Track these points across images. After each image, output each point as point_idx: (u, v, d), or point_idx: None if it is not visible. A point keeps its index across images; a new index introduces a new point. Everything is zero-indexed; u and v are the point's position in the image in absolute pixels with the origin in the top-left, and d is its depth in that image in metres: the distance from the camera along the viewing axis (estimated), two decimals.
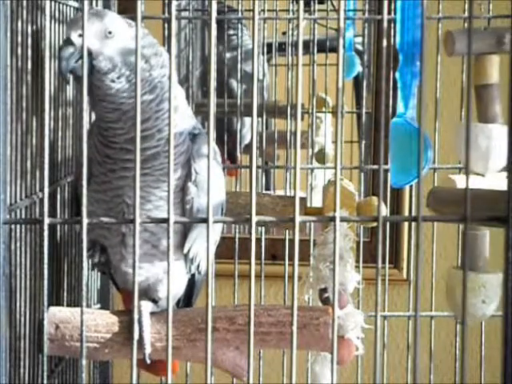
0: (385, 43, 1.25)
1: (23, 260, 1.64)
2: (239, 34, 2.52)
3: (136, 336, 1.64)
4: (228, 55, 2.85)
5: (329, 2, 2.64)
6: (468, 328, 1.23)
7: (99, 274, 2.23)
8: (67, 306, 1.90)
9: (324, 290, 1.82)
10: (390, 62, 1.75)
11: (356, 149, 2.66)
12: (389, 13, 1.88)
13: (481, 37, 1.75)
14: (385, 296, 2.23)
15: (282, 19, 2.65)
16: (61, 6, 1.89)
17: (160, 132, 1.68)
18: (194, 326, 1.72)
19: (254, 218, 1.21)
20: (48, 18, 1.28)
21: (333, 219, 1.22)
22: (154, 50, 1.67)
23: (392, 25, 1.87)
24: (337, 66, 1.21)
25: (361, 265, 2.14)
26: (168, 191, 1.23)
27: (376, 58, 2.78)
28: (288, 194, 2.38)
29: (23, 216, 1.65)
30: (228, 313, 1.73)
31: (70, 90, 1.96)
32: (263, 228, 2.28)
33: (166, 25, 2.18)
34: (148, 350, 1.70)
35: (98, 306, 2.26)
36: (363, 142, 2.41)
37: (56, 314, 1.72)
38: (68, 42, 1.60)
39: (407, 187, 2.45)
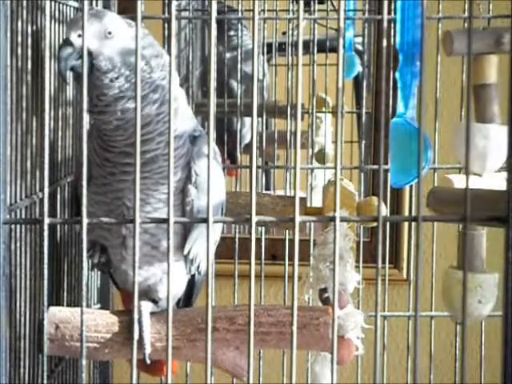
0: (385, 43, 1.25)
1: (23, 260, 1.64)
2: (239, 34, 2.52)
3: (136, 336, 1.64)
4: (228, 55, 2.85)
5: (329, 2, 2.64)
6: (468, 328, 1.23)
7: (99, 273, 2.23)
8: (67, 305, 1.90)
9: (324, 290, 1.82)
10: (389, 62, 1.75)
11: (356, 149, 2.66)
12: (389, 13, 1.88)
13: (479, 37, 1.75)
14: (385, 296, 2.23)
15: (282, 19, 2.65)
16: (61, 5, 1.88)
17: (160, 135, 1.68)
18: (193, 326, 1.72)
19: (254, 218, 1.21)
20: (48, 18, 1.28)
21: (333, 219, 1.22)
22: (154, 51, 1.67)
23: (392, 25, 1.87)
24: (337, 66, 1.21)
25: (361, 265, 2.14)
26: (168, 192, 1.22)
27: (376, 58, 2.78)
28: (288, 193, 2.38)
29: (23, 216, 1.65)
30: (228, 313, 1.73)
31: (69, 90, 1.96)
32: (263, 228, 2.28)
33: (166, 25, 2.18)
34: (148, 350, 1.70)
35: (98, 306, 2.26)
36: (363, 142, 2.41)
37: (56, 314, 1.72)
38: (67, 42, 1.59)
39: (407, 187, 2.45)
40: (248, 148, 2.87)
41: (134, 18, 1.24)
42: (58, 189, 1.87)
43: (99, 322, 1.72)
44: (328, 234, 1.82)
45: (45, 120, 1.25)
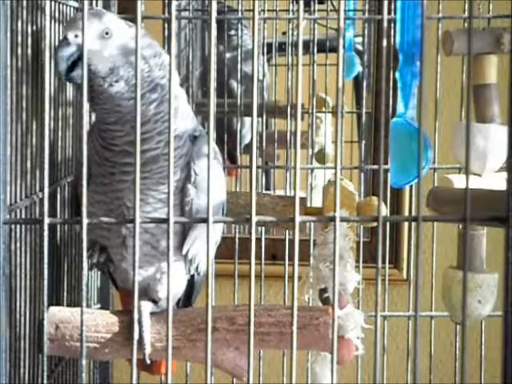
0: (385, 43, 1.24)
1: (23, 260, 1.64)
2: (239, 34, 2.52)
3: (136, 336, 1.64)
4: (228, 55, 2.85)
5: (329, 2, 2.64)
6: (468, 328, 1.23)
7: (99, 273, 2.23)
8: (67, 305, 1.90)
9: (324, 290, 1.82)
10: (389, 62, 1.75)
11: (356, 149, 2.66)
12: (389, 13, 1.88)
13: (479, 37, 1.75)
14: (385, 296, 2.23)
15: (282, 19, 2.65)
16: (61, 5, 1.88)
17: (159, 134, 1.68)
18: (194, 326, 1.72)
19: (254, 218, 1.21)
20: (48, 17, 1.28)
21: (333, 219, 1.22)
22: (152, 51, 1.67)
23: (392, 25, 1.87)
24: (337, 66, 1.21)
25: (361, 265, 2.14)
26: (168, 192, 1.22)
27: (376, 58, 2.79)
28: (288, 193, 2.38)
29: (23, 216, 1.65)
30: (228, 313, 1.73)
31: (69, 90, 1.96)
32: (263, 228, 2.28)
33: (166, 25, 2.18)
34: (148, 350, 1.70)
35: (98, 306, 2.26)
36: (363, 142, 2.41)
37: (56, 314, 1.72)
38: (64, 41, 1.59)
39: (407, 187, 2.45)
40: (248, 148, 2.87)
41: (134, 18, 1.24)
42: (58, 189, 1.87)
43: (99, 322, 1.72)
44: (328, 233, 1.82)
45: (45, 120, 1.25)
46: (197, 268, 1.80)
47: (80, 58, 1.58)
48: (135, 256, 1.22)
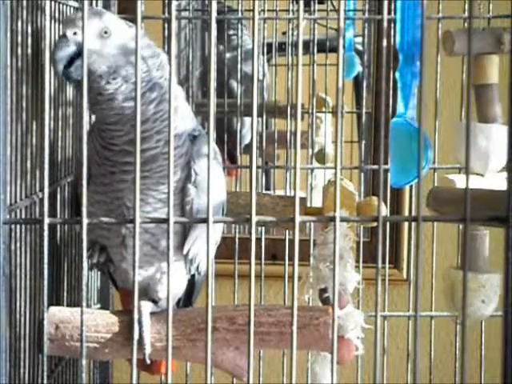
0: (385, 43, 1.25)
1: (23, 260, 1.64)
2: (239, 34, 2.52)
3: (136, 336, 1.64)
4: (228, 55, 2.85)
5: (329, 2, 2.64)
6: (468, 328, 1.23)
7: (99, 273, 2.23)
8: (67, 305, 1.90)
9: (324, 290, 1.82)
10: (389, 62, 1.75)
11: (356, 149, 2.66)
12: (389, 13, 1.88)
13: (480, 37, 1.75)
14: (385, 296, 2.23)
15: (282, 19, 2.65)
16: (61, 6, 1.88)
17: (159, 133, 1.68)
18: (194, 326, 1.72)
19: (254, 218, 1.21)
20: (48, 17, 1.28)
21: (333, 219, 1.22)
22: (151, 51, 1.67)
23: (392, 25, 1.87)
24: (337, 66, 1.21)
25: (361, 265, 2.14)
26: (168, 191, 1.22)
27: (376, 58, 2.79)
28: (288, 194, 2.38)
29: (23, 216, 1.65)
30: (228, 313, 1.73)
31: (69, 90, 1.96)
32: (263, 228, 2.28)
33: (166, 25, 2.18)
34: (148, 350, 1.70)
35: (98, 306, 2.26)
36: (363, 142, 2.41)
37: (56, 314, 1.72)
38: (63, 39, 1.59)
39: (407, 187, 2.45)
40: (248, 148, 2.87)
41: (134, 18, 1.24)
42: (58, 189, 1.87)
43: (99, 322, 1.72)
44: (328, 234, 1.82)
45: (45, 120, 1.25)
46: (197, 268, 1.80)
47: (78, 55, 1.58)
48: (135, 256, 1.22)
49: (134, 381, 1.28)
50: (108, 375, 2.38)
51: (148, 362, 1.72)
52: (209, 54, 1.22)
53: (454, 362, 2.19)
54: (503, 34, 1.73)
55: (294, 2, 2.56)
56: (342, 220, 1.25)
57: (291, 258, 1.26)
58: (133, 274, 1.23)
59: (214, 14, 1.21)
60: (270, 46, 2.84)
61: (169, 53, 1.70)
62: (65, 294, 1.92)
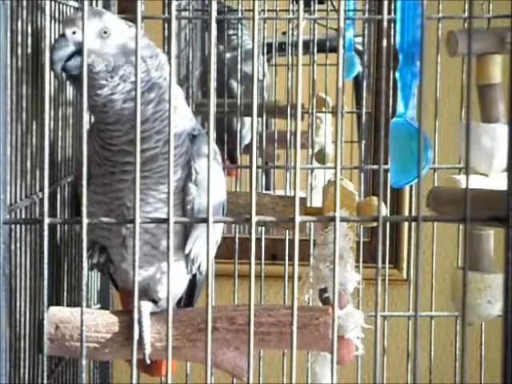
0: (385, 43, 1.24)
1: (23, 260, 1.64)
2: (239, 34, 2.52)
3: (136, 336, 1.64)
4: (228, 55, 2.85)
5: (329, 2, 2.64)
6: (468, 328, 1.23)
7: (99, 274, 2.23)
8: (67, 305, 1.90)
9: (324, 290, 1.82)
10: (389, 62, 1.75)
11: (356, 149, 2.66)
12: (389, 13, 1.88)
13: (483, 37, 1.75)
14: (385, 296, 2.23)
15: (282, 19, 2.65)
16: (61, 6, 1.88)
17: (158, 133, 1.68)
18: (194, 326, 1.72)
19: (254, 218, 1.21)
20: (48, 17, 1.28)
21: (333, 219, 1.22)
22: (150, 51, 1.67)
23: (392, 25, 1.87)
24: (337, 66, 1.21)
25: (361, 265, 2.14)
26: (168, 191, 1.22)
27: (376, 58, 2.79)
28: (288, 193, 2.38)
29: (23, 216, 1.65)
30: (228, 313, 1.73)
31: (69, 90, 1.96)
32: (263, 228, 2.28)
33: (166, 25, 2.18)
34: (148, 350, 1.70)
35: (98, 306, 2.26)
36: (363, 142, 2.41)
37: (56, 314, 1.72)
38: (62, 38, 1.59)
39: (407, 187, 2.45)
40: (248, 148, 2.87)
41: (134, 18, 1.24)
42: (58, 189, 1.87)
43: (99, 322, 1.72)
44: (328, 234, 1.82)
45: (45, 120, 1.25)
46: (199, 267, 1.80)
47: (76, 53, 1.58)
48: (135, 256, 1.22)
49: (134, 381, 1.28)
50: (108, 375, 2.38)
51: (148, 362, 1.72)
52: (209, 54, 1.22)
53: (454, 362, 2.19)
54: (507, 33, 1.73)
55: (294, 2, 2.56)
56: (342, 220, 1.25)
57: (291, 258, 1.26)
58: (133, 274, 1.23)
59: (214, 14, 1.21)
60: (270, 45, 2.84)
61: (169, 53, 1.70)
62: (65, 294, 1.92)
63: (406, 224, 2.72)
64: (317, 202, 2.36)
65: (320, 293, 1.83)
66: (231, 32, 2.88)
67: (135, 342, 1.33)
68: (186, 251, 1.74)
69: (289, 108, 2.56)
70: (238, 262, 2.22)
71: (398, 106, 1.74)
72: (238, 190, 2.48)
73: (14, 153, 1.59)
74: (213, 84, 1.21)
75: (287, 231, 2.31)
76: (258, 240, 2.25)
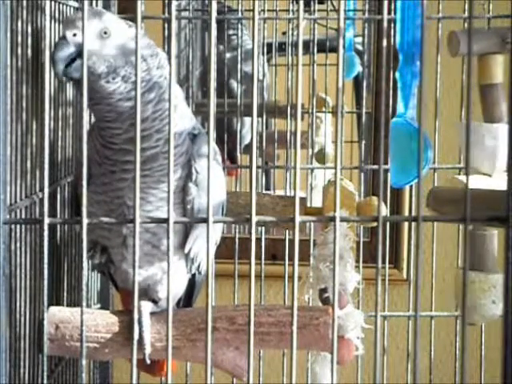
0: (385, 43, 1.24)
1: (23, 260, 1.64)
2: (239, 34, 2.52)
3: (136, 336, 1.64)
4: (228, 55, 2.85)
5: (329, 2, 2.64)
6: (468, 328, 1.23)
7: (99, 274, 2.23)
8: (67, 305, 1.90)
9: (324, 290, 1.82)
10: (389, 62, 1.75)
11: (356, 149, 2.66)
12: (389, 13, 1.88)
13: (485, 36, 1.75)
14: (385, 296, 2.23)
15: (282, 19, 2.65)
16: (61, 6, 1.88)
17: (158, 132, 1.68)
18: (194, 326, 1.72)
19: (254, 218, 1.21)
20: (48, 17, 1.28)
21: (333, 219, 1.22)
22: (150, 50, 1.67)
23: (392, 25, 1.87)
24: (337, 66, 1.21)
25: (361, 265, 2.14)
26: (168, 191, 1.22)
27: (376, 58, 2.79)
28: (288, 194, 2.38)
29: (23, 216, 1.65)
30: (228, 313, 1.73)
31: (69, 90, 1.96)
32: (263, 228, 2.28)
33: (166, 25, 2.18)
34: (148, 350, 1.70)
35: (98, 306, 2.26)
36: (363, 142, 2.41)
37: (56, 314, 1.72)
38: (63, 40, 1.59)
39: (407, 187, 2.45)
40: (248, 148, 2.87)
41: (134, 18, 1.24)
42: (58, 189, 1.87)
43: (99, 322, 1.72)
44: (328, 234, 1.82)
45: (45, 120, 1.25)
46: (198, 267, 1.80)
47: (77, 56, 1.58)
48: (135, 256, 1.22)
49: (134, 381, 1.28)
50: (108, 375, 2.38)
51: (148, 361, 1.72)
52: (209, 54, 1.22)
53: (454, 362, 2.19)
54: (508, 33, 1.73)
55: (294, 2, 2.56)
56: (342, 220, 1.25)
57: (291, 258, 1.26)
58: (133, 273, 1.23)
59: (214, 14, 1.21)
60: (270, 45, 2.84)
61: (169, 53, 1.70)
62: (65, 293, 1.92)
63: (406, 224, 2.72)
64: (317, 202, 2.36)
65: (320, 293, 1.83)
66: (231, 32, 2.88)
67: (135, 342, 1.33)
68: (186, 250, 1.74)
69: (289, 108, 2.56)
70: (238, 262, 2.22)
71: (398, 106, 1.74)
72: (237, 189, 2.48)
73: (14, 153, 1.59)
74: (213, 84, 1.21)
75: (287, 231, 2.31)
76: (258, 240, 2.25)
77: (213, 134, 1.26)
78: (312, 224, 2.20)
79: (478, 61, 1.83)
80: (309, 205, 2.41)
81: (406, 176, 1.74)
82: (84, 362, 1.28)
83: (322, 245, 1.83)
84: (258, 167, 2.51)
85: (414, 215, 1.20)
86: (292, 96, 2.60)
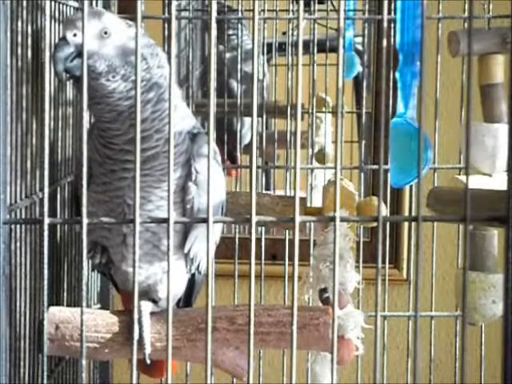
0: (385, 43, 1.24)
1: (23, 260, 1.64)
2: (239, 34, 2.52)
3: (136, 336, 1.64)
4: (228, 55, 2.85)
5: (329, 2, 2.64)
6: (468, 328, 1.23)
7: (99, 274, 2.23)
8: (67, 306, 1.90)
9: (324, 290, 1.82)
10: (390, 62, 1.75)
11: (356, 149, 2.66)
12: (389, 13, 1.88)
13: (485, 37, 1.76)
14: (385, 296, 2.23)
15: (282, 19, 2.65)
16: (61, 6, 1.88)
17: (158, 132, 1.68)
18: (194, 326, 1.72)
19: (254, 218, 1.21)
20: (48, 18, 1.28)
21: (333, 219, 1.22)
22: (150, 50, 1.67)
23: (392, 25, 1.87)
24: (337, 66, 1.21)
25: (361, 265, 2.14)
26: (168, 191, 1.23)
27: (376, 58, 2.79)
28: (288, 194, 2.38)
29: (23, 216, 1.65)
30: (228, 313, 1.73)
31: (69, 90, 1.96)
32: (263, 228, 2.28)
33: (166, 25, 2.18)
34: (148, 350, 1.70)
35: (98, 306, 2.26)
36: (363, 142, 2.41)
37: (56, 314, 1.72)
38: (63, 41, 1.59)
39: (407, 187, 2.45)
40: (248, 148, 2.87)
41: (134, 18, 1.24)
42: (58, 189, 1.87)
43: (99, 322, 1.72)
44: (328, 234, 1.82)
45: (45, 120, 1.25)
46: (198, 267, 1.80)
47: (78, 56, 1.59)
48: (135, 255, 1.22)
49: (134, 381, 1.28)
50: (108, 375, 2.38)
51: (148, 361, 1.72)
52: (209, 54, 1.22)
53: (454, 362, 2.19)
54: (509, 33, 1.74)
55: (294, 2, 2.56)
56: (342, 220, 1.25)
57: (291, 258, 1.26)
58: (133, 273, 1.23)
59: (214, 14, 1.21)
60: (270, 46, 2.84)
61: (169, 53, 1.70)
62: (65, 294, 1.92)
63: (406, 224, 2.72)
64: (317, 202, 2.36)
65: (320, 293, 1.83)
66: (231, 32, 2.88)
67: (135, 342, 1.33)
68: (185, 250, 1.74)
69: (289, 108, 2.56)
70: (238, 261, 2.22)
71: (398, 106, 1.74)
72: (237, 190, 2.48)
73: (14, 153, 1.59)
74: (213, 84, 1.21)
75: (287, 231, 2.31)
76: (258, 240, 2.25)
77: (213, 134, 1.26)
78: (312, 224, 2.20)
79: (478, 61, 1.83)
80: (309, 205, 2.41)
81: (406, 176, 1.74)
82: (84, 362, 1.28)
83: (322, 245, 1.83)
84: (258, 167, 2.51)
85: (414, 215, 1.20)
86: (292, 96, 2.60)
